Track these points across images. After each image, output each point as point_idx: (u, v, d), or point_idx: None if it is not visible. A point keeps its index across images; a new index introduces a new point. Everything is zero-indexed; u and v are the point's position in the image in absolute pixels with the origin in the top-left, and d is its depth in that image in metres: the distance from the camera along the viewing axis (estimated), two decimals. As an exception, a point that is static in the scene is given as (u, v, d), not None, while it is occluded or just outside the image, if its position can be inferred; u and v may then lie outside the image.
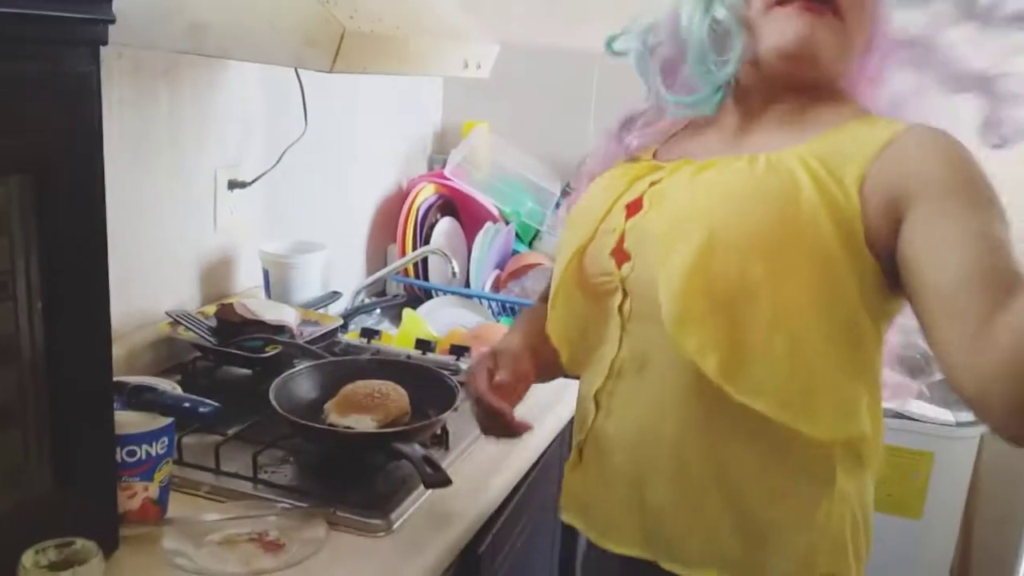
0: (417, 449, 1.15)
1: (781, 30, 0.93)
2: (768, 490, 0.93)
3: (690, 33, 0.97)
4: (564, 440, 1.64)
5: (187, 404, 1.05)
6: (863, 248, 0.87)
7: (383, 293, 2.26)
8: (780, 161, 0.92)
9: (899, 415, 1.87)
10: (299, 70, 1.61)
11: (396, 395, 1.29)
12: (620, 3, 1.12)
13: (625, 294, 0.97)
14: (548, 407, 1.55)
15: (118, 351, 1.41)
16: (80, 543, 0.83)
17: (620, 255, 0.98)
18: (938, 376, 0.89)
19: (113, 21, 0.88)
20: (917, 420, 1.87)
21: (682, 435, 0.94)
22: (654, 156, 1.08)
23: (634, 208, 0.99)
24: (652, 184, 0.99)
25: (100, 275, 0.93)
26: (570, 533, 1.56)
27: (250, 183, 1.69)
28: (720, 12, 0.94)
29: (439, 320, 2.02)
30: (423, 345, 1.71)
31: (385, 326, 2.01)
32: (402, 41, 1.21)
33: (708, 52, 0.97)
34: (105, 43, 0.88)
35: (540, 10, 2.40)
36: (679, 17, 0.98)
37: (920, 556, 1.93)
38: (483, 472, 1.32)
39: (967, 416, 1.90)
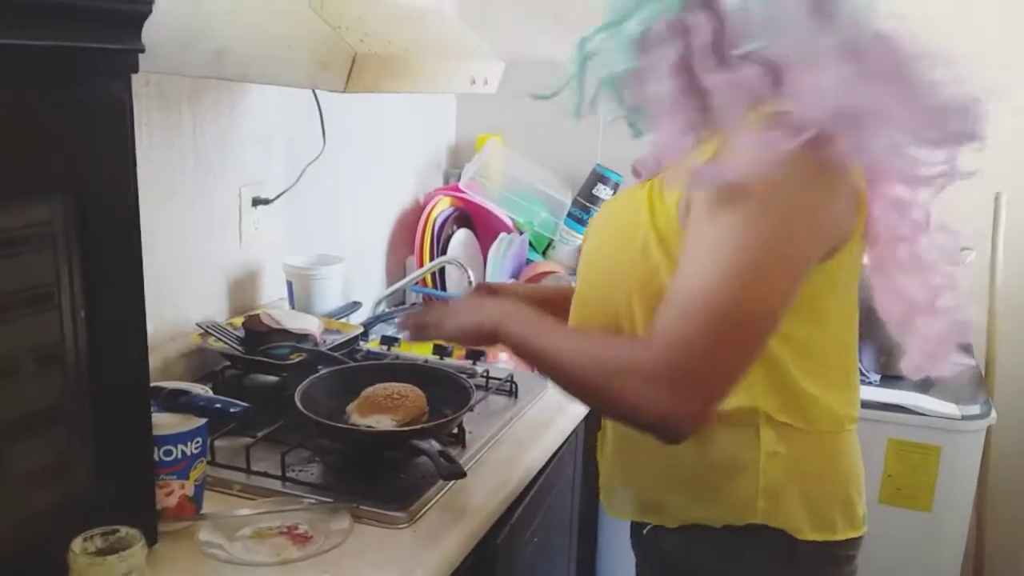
0: (434, 444, 1.22)
1: None
2: (698, 451, 1.02)
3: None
4: (579, 435, 1.70)
5: (218, 405, 1.12)
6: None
7: (402, 303, 2.33)
8: (634, 196, 1.04)
9: (904, 409, 1.90)
10: (316, 91, 1.68)
11: (414, 396, 1.35)
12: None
13: None
14: (562, 405, 1.61)
15: (153, 361, 1.48)
16: (124, 530, 0.90)
17: None
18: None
19: (143, 50, 0.95)
20: (922, 415, 1.91)
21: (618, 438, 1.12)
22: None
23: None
24: None
25: (137, 285, 1.00)
26: (589, 526, 1.61)
27: (273, 200, 1.77)
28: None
29: (458, 328, 2.08)
30: (440, 351, 1.78)
31: (405, 334, 2.08)
32: (411, 61, 1.28)
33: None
34: (136, 71, 0.95)
35: (545, 25, 2.47)
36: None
37: (932, 548, 1.96)
38: (500, 468, 1.38)
39: (973, 410, 1.93)
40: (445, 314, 1.16)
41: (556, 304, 1.23)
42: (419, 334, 1.20)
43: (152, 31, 0.96)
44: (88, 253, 0.94)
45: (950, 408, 1.93)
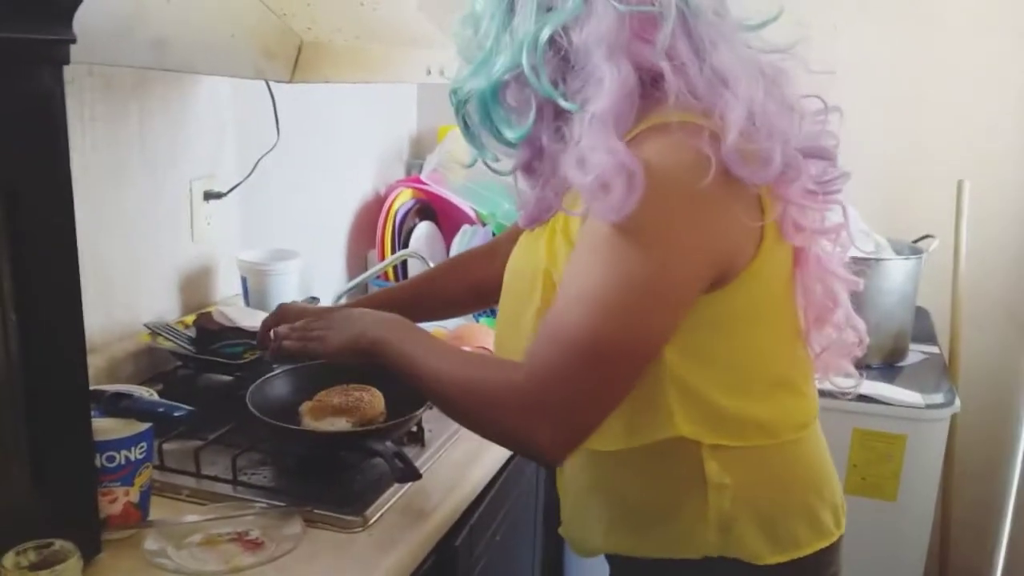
0: (389, 446, 1.19)
1: None
2: (642, 487, 1.03)
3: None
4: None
5: (162, 408, 1.08)
6: None
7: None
8: (537, 240, 1.04)
9: (869, 399, 1.90)
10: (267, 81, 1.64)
11: (370, 397, 1.32)
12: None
13: None
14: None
15: (99, 362, 1.45)
16: (59, 544, 0.86)
17: None
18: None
19: (74, 41, 0.91)
20: (887, 404, 1.90)
21: (574, 475, 1.11)
22: None
23: None
24: None
25: (72, 286, 0.95)
26: (555, 523, 1.59)
27: (226, 193, 1.73)
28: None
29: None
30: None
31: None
32: (362, 51, 1.24)
33: None
34: (67, 63, 0.91)
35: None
36: None
37: (897, 537, 1.96)
38: (459, 467, 1.35)
39: (937, 398, 1.94)
40: (327, 327, 1.11)
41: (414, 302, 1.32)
42: (295, 353, 1.13)
43: (85, 20, 0.92)
44: (19, 254, 0.90)
45: (914, 397, 1.93)
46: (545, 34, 0.91)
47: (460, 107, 1.01)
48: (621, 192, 0.84)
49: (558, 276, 0.97)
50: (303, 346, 1.12)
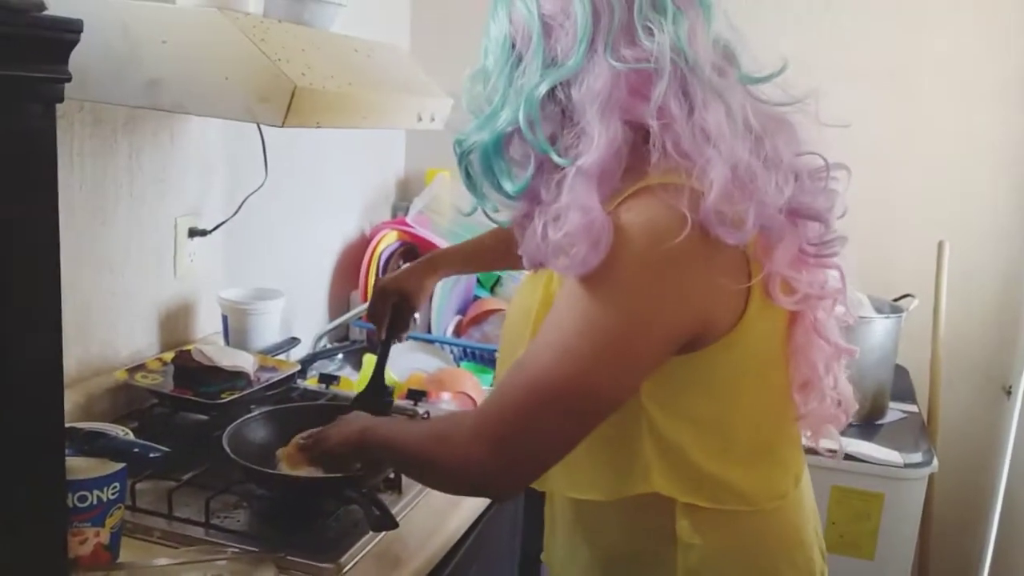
0: (366, 493, 1.18)
1: None
2: (619, 538, 1.04)
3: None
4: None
5: (136, 449, 1.07)
6: None
7: (345, 338, 2.29)
8: (535, 283, 1.05)
9: (848, 457, 1.90)
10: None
11: None
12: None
13: None
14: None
15: (77, 398, 1.43)
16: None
17: None
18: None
19: (69, 79, 0.91)
20: (866, 462, 1.91)
21: (562, 510, 1.13)
22: None
23: None
24: None
25: (53, 324, 0.94)
26: (533, 571, 1.58)
27: (210, 231, 1.72)
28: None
29: (400, 365, 2.04)
30: (383, 391, 1.73)
31: (347, 371, 2.03)
32: (354, 97, 1.25)
33: None
34: (60, 101, 0.91)
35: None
36: None
37: (874, 596, 1.96)
38: (437, 514, 1.34)
39: (915, 457, 1.94)
40: (323, 433, 1.21)
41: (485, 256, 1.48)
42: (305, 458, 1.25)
43: (81, 58, 0.92)
44: (1, 290, 0.89)
45: (893, 456, 1.93)
46: (542, 89, 0.93)
47: (463, 157, 1.01)
48: (584, 251, 0.86)
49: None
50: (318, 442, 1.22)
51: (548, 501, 1.17)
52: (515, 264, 1.30)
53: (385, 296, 1.49)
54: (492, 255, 1.53)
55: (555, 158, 0.92)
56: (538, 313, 1.01)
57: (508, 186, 0.98)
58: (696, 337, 0.92)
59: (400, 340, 1.53)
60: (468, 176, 1.02)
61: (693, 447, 0.97)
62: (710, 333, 0.92)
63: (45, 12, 0.86)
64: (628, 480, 0.99)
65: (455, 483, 1.02)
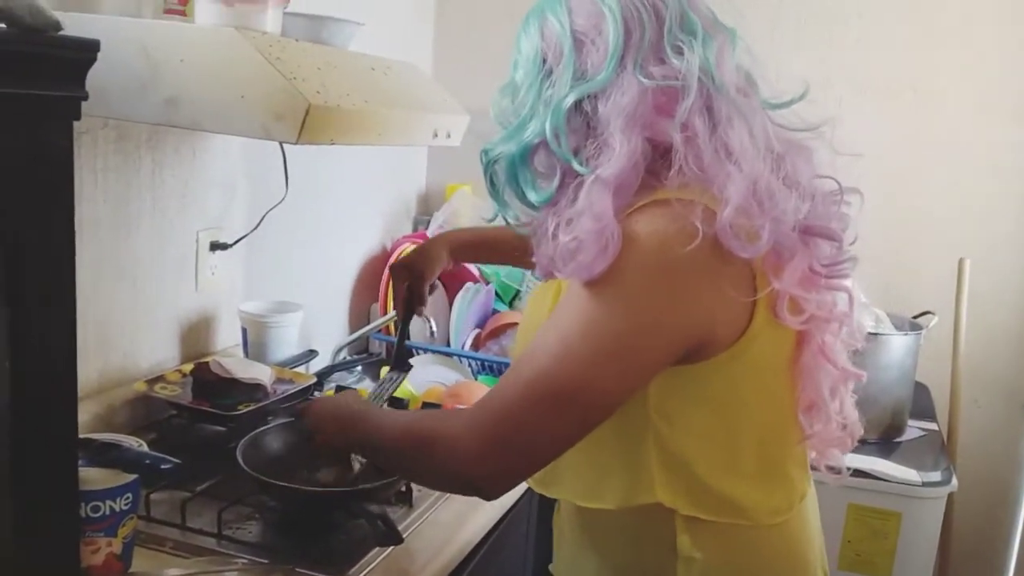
0: (374, 507, 1.18)
1: None
2: (623, 549, 1.05)
3: None
4: (532, 500, 1.67)
5: (148, 461, 1.08)
6: None
7: (365, 351, 2.30)
8: (546, 293, 1.07)
9: (865, 475, 1.89)
10: (277, 138, 1.67)
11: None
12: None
13: None
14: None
15: (96, 408, 1.46)
16: (36, 595, 0.86)
17: None
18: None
19: (86, 98, 0.93)
20: (883, 480, 1.89)
21: (569, 520, 1.13)
22: None
23: None
24: None
25: (68, 339, 0.96)
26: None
27: (232, 245, 1.75)
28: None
29: (419, 378, 2.05)
30: (396, 403, 1.75)
31: (365, 383, 2.05)
32: (369, 115, 1.27)
33: None
34: (78, 119, 0.93)
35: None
36: None
37: (891, 617, 1.94)
38: (447, 529, 1.35)
39: (934, 476, 1.92)
40: (316, 403, 1.24)
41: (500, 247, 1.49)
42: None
43: (100, 77, 0.94)
44: (16, 304, 0.91)
45: (911, 474, 1.92)
46: (569, 100, 0.95)
47: (489, 167, 1.04)
48: (592, 256, 0.88)
49: None
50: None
51: (556, 511, 1.18)
52: (529, 264, 1.33)
53: (397, 276, 1.52)
54: (508, 248, 1.50)
55: (575, 166, 0.95)
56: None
57: (532, 196, 1.00)
58: (699, 346, 0.93)
59: (419, 314, 1.55)
60: (492, 185, 1.05)
61: (698, 460, 0.98)
62: (713, 344, 0.93)
63: (62, 32, 0.89)
64: (633, 490, 1.00)
65: (443, 476, 1.01)
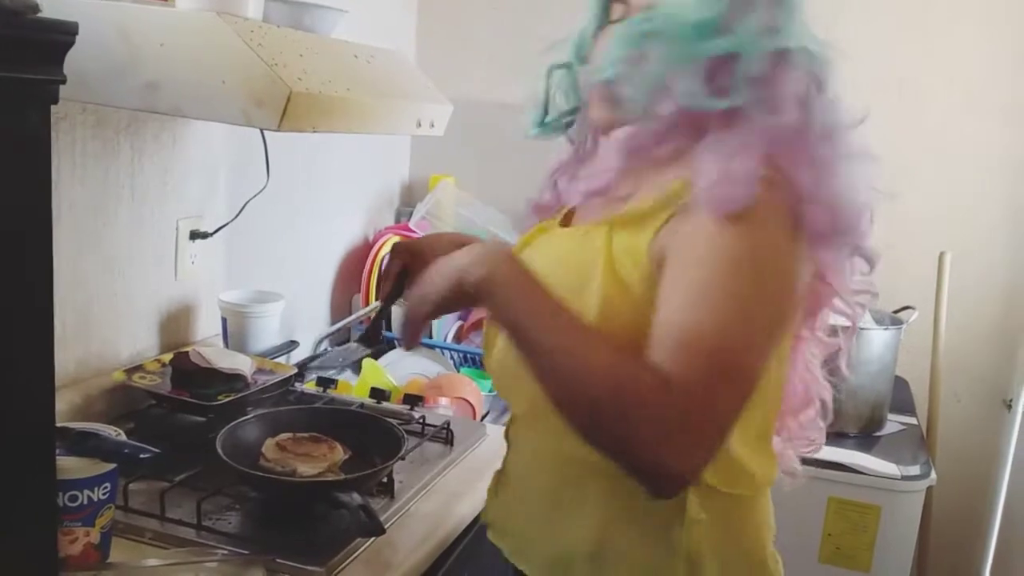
0: (355, 498, 1.18)
1: None
2: (626, 516, 1.02)
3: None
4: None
5: (127, 450, 1.07)
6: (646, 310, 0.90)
7: (346, 341, 2.29)
8: (589, 234, 1.00)
9: (845, 468, 1.90)
10: (259, 126, 1.66)
11: (328, 449, 1.33)
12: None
13: None
14: (498, 453, 1.57)
15: (74, 398, 1.44)
16: (11, 585, 0.85)
17: None
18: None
19: (63, 81, 0.91)
20: (863, 474, 1.90)
21: (552, 474, 1.08)
22: (569, 212, 1.16)
23: None
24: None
25: (45, 327, 0.95)
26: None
27: (212, 233, 1.73)
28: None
29: (401, 369, 2.05)
30: (377, 394, 1.74)
31: (347, 375, 2.04)
32: (351, 102, 1.26)
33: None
34: (55, 102, 0.92)
35: (504, 69, 2.47)
36: None
37: (870, 609, 1.95)
38: (429, 520, 1.34)
39: (913, 470, 1.93)
40: (421, 292, 0.98)
41: None
42: (413, 337, 1.04)
43: (79, 61, 0.93)
44: (-7, 291, 0.90)
45: (890, 468, 1.93)
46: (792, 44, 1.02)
47: (644, 38, 0.96)
48: (742, 191, 0.87)
49: (625, 272, 0.94)
50: (416, 310, 1.00)
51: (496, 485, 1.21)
52: None
53: (396, 254, 1.39)
54: None
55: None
56: (607, 264, 0.95)
57: (688, 88, 0.94)
58: None
59: (405, 299, 1.47)
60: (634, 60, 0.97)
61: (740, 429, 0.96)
62: None
63: (39, 14, 0.87)
64: None
65: (619, 453, 0.86)
